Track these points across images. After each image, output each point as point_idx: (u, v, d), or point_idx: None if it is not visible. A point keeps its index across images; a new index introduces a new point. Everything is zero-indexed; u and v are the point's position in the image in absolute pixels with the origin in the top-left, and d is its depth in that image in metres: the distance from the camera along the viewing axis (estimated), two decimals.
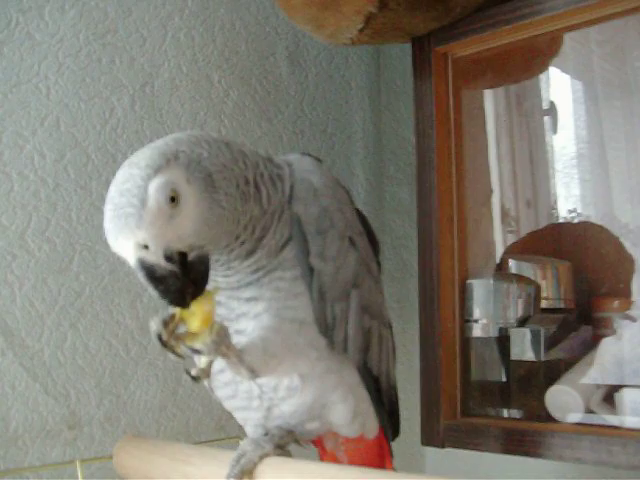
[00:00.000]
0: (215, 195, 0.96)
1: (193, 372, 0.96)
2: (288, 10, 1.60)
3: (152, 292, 0.92)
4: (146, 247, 0.91)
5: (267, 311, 1.06)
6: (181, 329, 0.96)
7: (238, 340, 1.04)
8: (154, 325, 0.94)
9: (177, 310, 0.95)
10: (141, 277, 0.92)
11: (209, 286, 0.99)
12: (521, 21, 1.52)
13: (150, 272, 0.91)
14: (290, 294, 1.07)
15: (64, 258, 1.45)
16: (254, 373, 1.03)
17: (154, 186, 0.92)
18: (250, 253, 1.04)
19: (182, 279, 0.93)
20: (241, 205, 1.00)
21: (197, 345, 0.94)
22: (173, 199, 0.92)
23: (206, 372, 0.97)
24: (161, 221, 0.92)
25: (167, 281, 0.91)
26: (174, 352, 0.95)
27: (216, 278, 1.06)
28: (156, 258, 0.91)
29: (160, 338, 0.94)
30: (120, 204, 0.92)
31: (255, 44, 1.85)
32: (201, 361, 0.97)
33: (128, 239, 0.91)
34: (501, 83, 1.89)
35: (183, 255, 0.94)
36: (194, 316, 0.95)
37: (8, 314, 1.36)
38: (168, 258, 0.92)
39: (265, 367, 1.04)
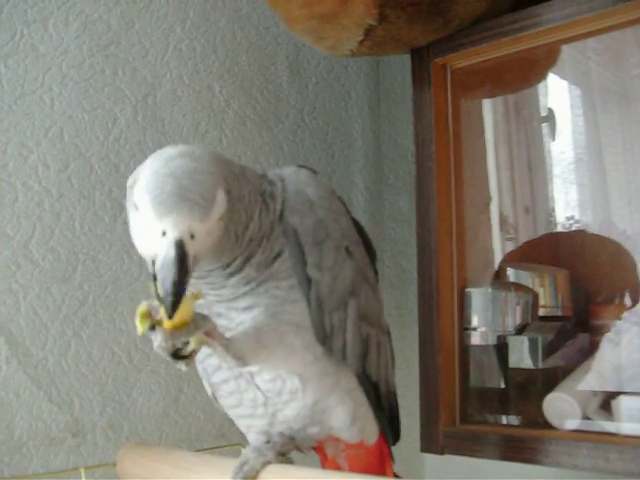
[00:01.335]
0: (225, 231, 0.99)
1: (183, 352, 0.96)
2: (289, 22, 1.61)
3: (166, 277, 0.89)
4: (192, 238, 0.92)
5: (263, 314, 1.07)
6: None
7: None
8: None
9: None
10: (169, 257, 0.90)
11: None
12: (519, 33, 1.53)
13: (182, 258, 0.90)
14: (287, 301, 1.09)
15: (68, 267, 1.46)
16: (242, 361, 1.04)
17: (221, 196, 0.95)
18: (237, 272, 1.06)
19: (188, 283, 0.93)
20: (230, 248, 1.03)
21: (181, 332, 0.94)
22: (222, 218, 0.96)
23: (190, 357, 0.97)
24: (215, 227, 0.95)
25: (185, 278, 0.91)
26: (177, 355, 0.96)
27: (208, 292, 1.08)
28: (192, 253, 0.92)
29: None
30: (191, 189, 0.92)
31: (256, 54, 1.87)
32: (187, 347, 0.97)
33: (184, 222, 0.91)
34: (499, 93, 1.90)
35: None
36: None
37: (12, 323, 1.38)
38: (194, 260, 0.93)
39: (255, 356, 1.05)
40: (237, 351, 1.03)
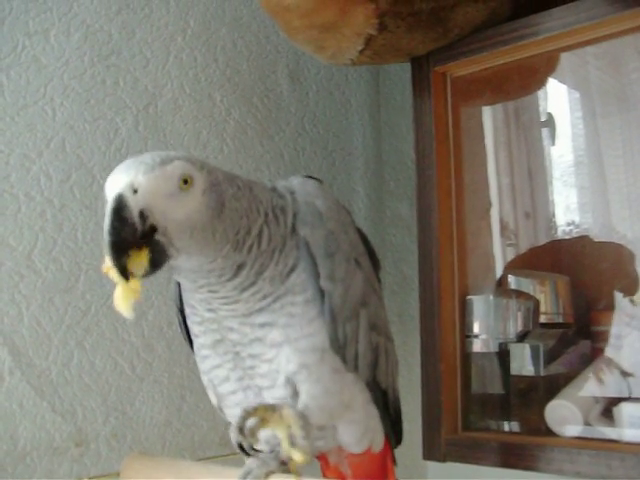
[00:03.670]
0: (215, 221, 0.99)
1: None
2: (289, 31, 1.62)
3: (105, 228, 0.91)
4: (135, 192, 0.93)
5: (286, 341, 1.07)
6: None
7: (253, 364, 1.08)
8: (233, 436, 1.00)
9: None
10: (107, 209, 0.92)
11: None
12: (518, 42, 1.54)
13: (119, 208, 0.91)
14: (304, 320, 1.08)
15: (70, 277, 1.47)
16: (318, 427, 1.10)
17: (179, 162, 0.97)
18: (249, 285, 1.06)
19: (136, 239, 0.92)
20: (229, 250, 1.02)
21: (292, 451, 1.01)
22: (185, 182, 0.96)
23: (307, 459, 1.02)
24: (164, 186, 0.95)
25: (125, 227, 0.91)
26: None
27: (221, 307, 1.08)
28: (134, 205, 0.92)
29: (241, 445, 1.00)
30: (144, 157, 0.97)
31: (256, 63, 1.88)
32: (295, 456, 1.02)
33: (127, 177, 0.94)
34: (499, 100, 1.91)
35: (153, 230, 0.94)
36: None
37: (16, 333, 1.38)
38: (141, 216, 0.93)
39: (323, 415, 1.10)
40: (313, 423, 1.07)
